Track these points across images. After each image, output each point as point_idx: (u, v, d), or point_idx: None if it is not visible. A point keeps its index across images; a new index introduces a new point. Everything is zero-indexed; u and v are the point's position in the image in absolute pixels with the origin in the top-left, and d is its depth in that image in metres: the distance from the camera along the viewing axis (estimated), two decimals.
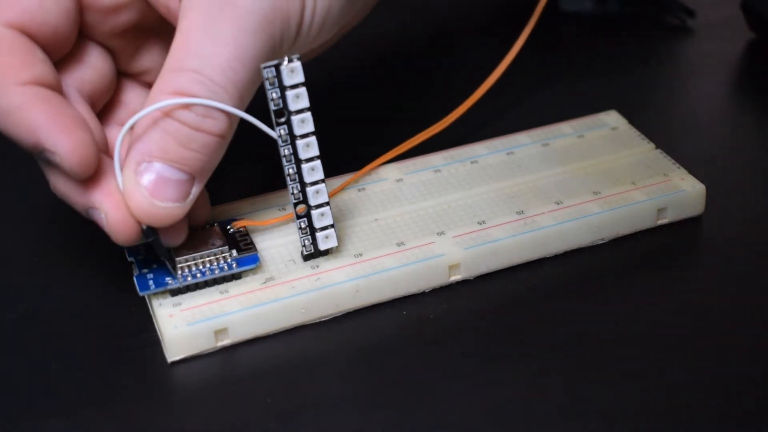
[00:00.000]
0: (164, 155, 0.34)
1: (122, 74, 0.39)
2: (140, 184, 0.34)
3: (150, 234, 0.35)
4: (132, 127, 0.34)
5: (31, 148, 0.34)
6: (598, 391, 0.34)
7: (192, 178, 0.35)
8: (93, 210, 0.35)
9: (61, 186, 0.35)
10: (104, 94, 0.38)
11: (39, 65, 0.34)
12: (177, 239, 0.37)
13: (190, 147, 0.34)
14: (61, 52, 0.36)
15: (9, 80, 0.33)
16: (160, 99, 0.33)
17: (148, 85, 0.39)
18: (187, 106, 0.33)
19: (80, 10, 0.36)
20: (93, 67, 0.37)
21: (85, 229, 0.37)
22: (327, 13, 0.36)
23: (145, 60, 0.39)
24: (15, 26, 0.34)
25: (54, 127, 0.33)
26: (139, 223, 0.35)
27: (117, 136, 0.36)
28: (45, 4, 0.34)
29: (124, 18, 0.37)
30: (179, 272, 0.36)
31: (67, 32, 0.35)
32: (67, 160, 0.33)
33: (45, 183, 0.35)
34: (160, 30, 0.38)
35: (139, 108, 0.38)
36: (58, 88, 0.35)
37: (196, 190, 0.35)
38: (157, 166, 0.34)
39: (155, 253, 0.36)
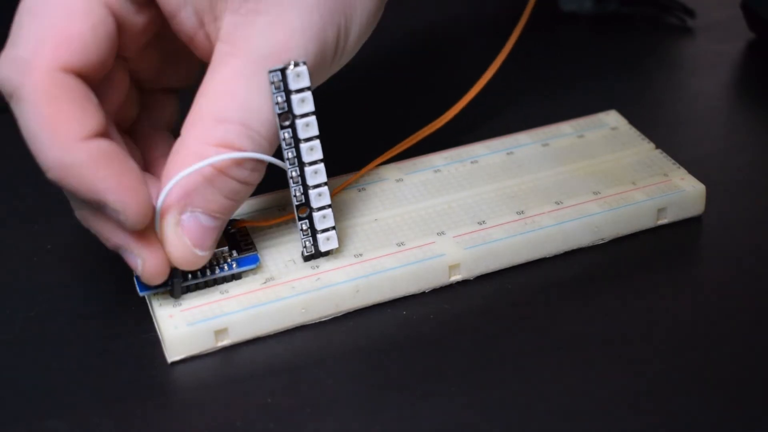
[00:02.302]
0: (207, 206, 0.34)
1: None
2: (183, 235, 0.34)
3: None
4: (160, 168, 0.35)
5: (90, 202, 0.33)
6: (598, 391, 0.34)
7: (224, 223, 0.35)
8: (127, 252, 0.35)
9: (95, 224, 0.35)
10: (130, 113, 0.37)
11: (96, 113, 0.33)
12: None
13: (234, 198, 0.35)
14: (98, 79, 0.34)
15: (71, 135, 0.32)
16: (206, 150, 0.33)
17: (155, 91, 0.39)
18: (239, 161, 0.34)
19: (118, 35, 0.34)
20: (119, 87, 0.36)
21: (86, 229, 0.37)
22: (353, 49, 0.37)
23: (157, 72, 0.38)
24: (72, 70, 0.33)
25: (121, 188, 0.33)
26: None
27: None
28: (96, 35, 0.33)
29: (150, 38, 0.36)
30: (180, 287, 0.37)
31: (109, 62, 0.34)
32: (132, 219, 0.33)
33: (44, 183, 0.35)
34: (175, 47, 0.37)
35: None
36: (108, 133, 0.33)
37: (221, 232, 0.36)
38: (200, 216, 0.34)
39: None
